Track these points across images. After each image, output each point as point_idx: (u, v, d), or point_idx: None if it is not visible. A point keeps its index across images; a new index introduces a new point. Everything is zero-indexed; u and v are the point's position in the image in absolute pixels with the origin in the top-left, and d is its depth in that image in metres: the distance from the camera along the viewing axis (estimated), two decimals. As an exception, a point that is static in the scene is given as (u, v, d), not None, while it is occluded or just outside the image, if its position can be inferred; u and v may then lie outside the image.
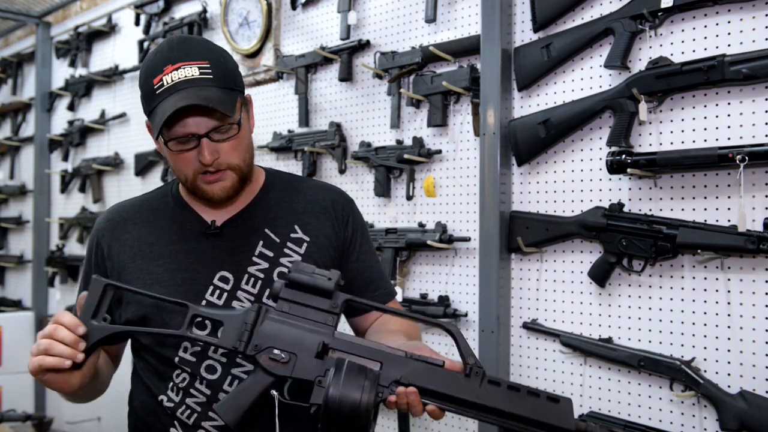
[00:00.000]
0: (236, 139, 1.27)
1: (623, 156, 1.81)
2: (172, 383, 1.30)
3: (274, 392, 1.10)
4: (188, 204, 1.37)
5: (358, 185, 2.61)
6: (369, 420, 0.99)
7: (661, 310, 1.84)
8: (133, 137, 3.77)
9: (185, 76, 1.21)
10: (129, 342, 1.39)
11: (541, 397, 1.01)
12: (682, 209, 1.80)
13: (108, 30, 3.92)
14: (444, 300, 2.29)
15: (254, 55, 3.02)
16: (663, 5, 1.79)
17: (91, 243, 1.40)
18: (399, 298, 2.36)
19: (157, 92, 1.21)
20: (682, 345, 1.80)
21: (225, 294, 1.29)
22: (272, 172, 1.46)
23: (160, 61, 1.23)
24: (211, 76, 1.22)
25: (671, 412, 1.82)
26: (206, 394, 1.28)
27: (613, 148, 1.86)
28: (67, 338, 1.09)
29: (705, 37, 1.78)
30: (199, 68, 1.22)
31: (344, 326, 1.53)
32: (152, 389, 1.33)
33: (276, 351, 1.08)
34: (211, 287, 1.29)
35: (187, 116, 1.21)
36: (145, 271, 1.31)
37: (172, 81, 1.21)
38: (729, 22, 1.73)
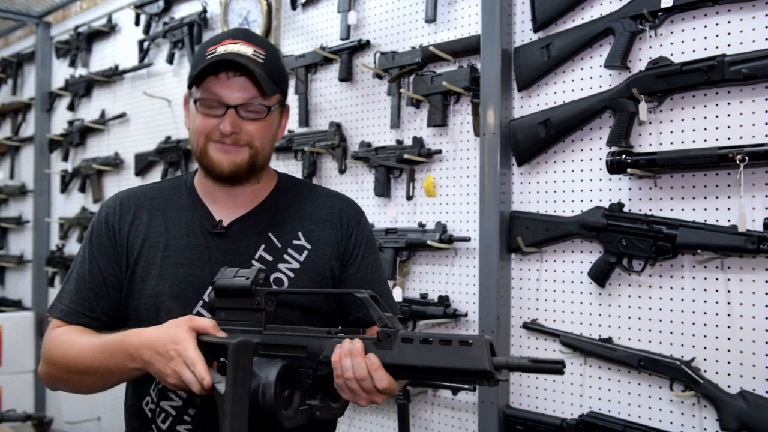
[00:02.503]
0: (261, 123, 1.29)
1: (623, 156, 1.81)
2: (154, 384, 1.31)
3: None
4: (201, 199, 1.37)
5: (358, 185, 2.61)
6: (272, 401, 1.01)
7: (661, 310, 1.84)
8: (133, 137, 3.76)
9: (238, 51, 1.25)
10: None
11: (453, 343, 0.99)
12: (682, 209, 1.80)
13: (108, 30, 3.92)
14: (444, 300, 2.29)
15: (254, 55, 3.01)
16: (663, 5, 1.79)
17: (98, 223, 1.37)
18: (399, 298, 2.36)
19: (207, 57, 1.26)
20: (682, 345, 1.80)
21: None
22: (285, 177, 1.46)
23: (221, 36, 1.30)
24: (262, 61, 1.27)
25: (671, 412, 1.82)
26: (182, 398, 1.29)
27: (613, 148, 1.86)
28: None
29: (705, 37, 1.78)
30: (254, 51, 1.27)
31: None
32: (138, 390, 1.34)
33: (222, 358, 1.10)
34: (210, 287, 1.29)
35: (224, 82, 1.25)
36: (150, 261, 1.32)
37: (225, 51, 1.25)
38: (729, 22, 1.73)
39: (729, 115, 1.72)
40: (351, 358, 1.03)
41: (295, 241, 1.36)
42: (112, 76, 3.83)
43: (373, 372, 1.02)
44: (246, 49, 1.26)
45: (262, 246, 1.34)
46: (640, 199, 1.89)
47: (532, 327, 2.08)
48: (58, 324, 1.32)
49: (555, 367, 0.93)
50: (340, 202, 1.44)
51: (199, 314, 1.28)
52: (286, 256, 1.34)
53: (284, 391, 1.04)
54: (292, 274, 1.34)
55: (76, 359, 1.22)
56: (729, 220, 1.71)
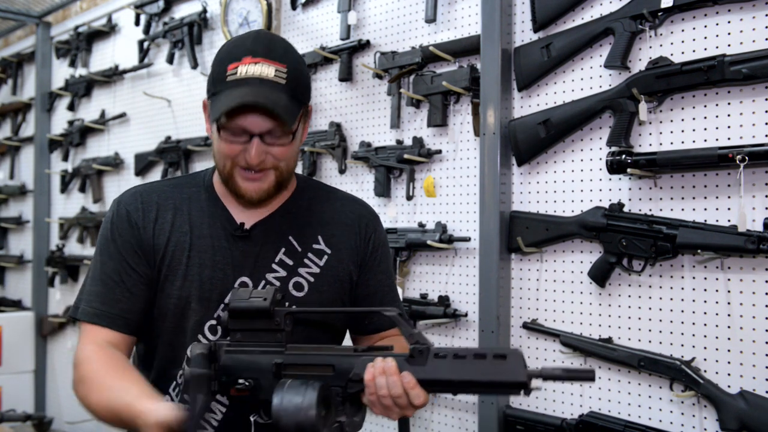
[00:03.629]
0: (287, 147, 1.26)
1: (623, 156, 1.81)
2: (174, 383, 1.30)
3: (252, 417, 1.16)
4: (220, 199, 1.35)
5: (358, 185, 2.61)
6: (316, 423, 1.01)
7: (661, 310, 1.84)
8: (133, 137, 3.76)
9: (260, 74, 1.20)
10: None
11: (487, 357, 1.01)
12: (682, 209, 1.80)
13: (108, 30, 3.92)
14: (444, 300, 2.29)
15: (254, 55, 3.01)
16: (663, 5, 1.79)
17: (118, 221, 1.31)
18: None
19: (228, 79, 1.21)
20: (682, 345, 1.80)
21: None
22: (304, 179, 1.45)
23: (242, 50, 1.23)
24: (284, 81, 1.22)
25: (671, 412, 1.82)
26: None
27: (613, 148, 1.86)
28: None
29: (705, 37, 1.78)
30: (276, 70, 1.22)
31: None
32: (158, 386, 1.32)
33: (240, 380, 1.10)
34: (232, 292, 1.29)
35: (247, 113, 1.21)
36: (176, 261, 1.30)
37: (246, 74, 1.20)
38: (729, 22, 1.73)
39: (729, 115, 1.72)
40: (386, 377, 1.04)
41: (315, 245, 1.35)
42: (112, 76, 3.83)
43: (409, 390, 1.04)
44: (268, 70, 1.21)
45: (283, 249, 1.33)
46: (640, 199, 1.89)
47: (532, 327, 2.08)
48: (89, 330, 1.26)
49: (587, 375, 1.00)
50: (360, 207, 1.44)
51: (219, 317, 1.28)
52: (306, 261, 1.33)
53: (322, 412, 1.04)
54: (312, 279, 1.33)
55: (96, 408, 1.18)
56: (729, 220, 1.71)
